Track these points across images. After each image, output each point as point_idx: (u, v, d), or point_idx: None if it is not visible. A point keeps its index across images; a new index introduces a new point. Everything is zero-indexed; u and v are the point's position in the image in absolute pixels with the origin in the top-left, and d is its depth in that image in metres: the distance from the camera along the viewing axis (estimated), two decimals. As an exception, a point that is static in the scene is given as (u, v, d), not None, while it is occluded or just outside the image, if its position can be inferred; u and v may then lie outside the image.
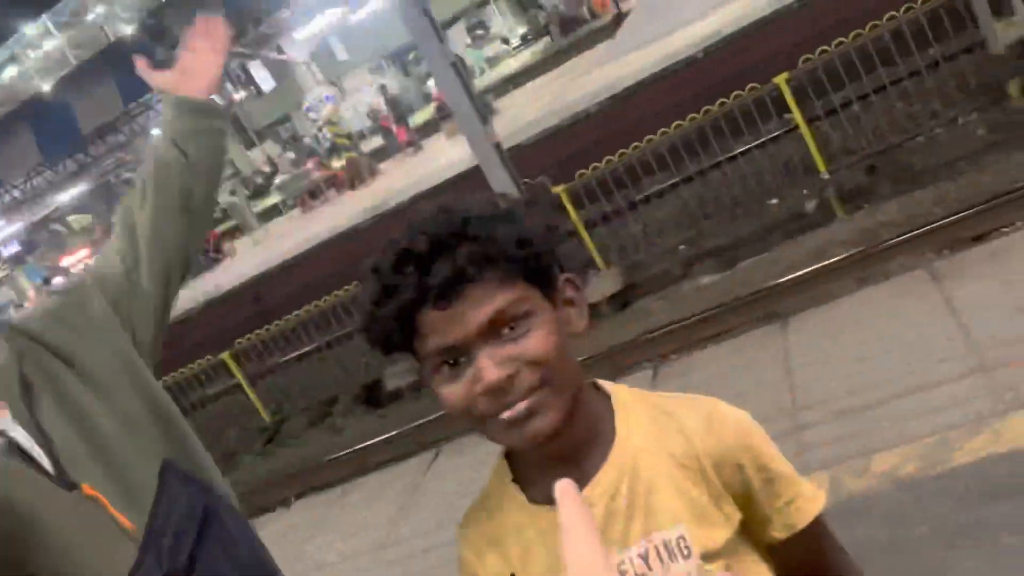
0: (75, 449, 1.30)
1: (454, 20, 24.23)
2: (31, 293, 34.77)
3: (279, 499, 6.44)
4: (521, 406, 0.92)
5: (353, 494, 5.61)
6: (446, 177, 11.58)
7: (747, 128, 7.94)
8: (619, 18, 18.91)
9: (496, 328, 0.92)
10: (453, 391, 0.94)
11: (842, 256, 5.77)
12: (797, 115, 7.42)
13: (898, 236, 5.54)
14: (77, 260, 33.36)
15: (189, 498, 1.37)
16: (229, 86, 18.73)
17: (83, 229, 37.07)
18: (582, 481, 1.00)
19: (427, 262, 0.91)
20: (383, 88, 20.55)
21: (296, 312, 9.70)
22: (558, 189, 7.84)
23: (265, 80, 17.47)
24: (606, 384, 1.09)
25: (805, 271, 5.78)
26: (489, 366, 0.91)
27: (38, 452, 1.28)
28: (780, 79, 7.30)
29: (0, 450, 1.25)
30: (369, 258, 0.98)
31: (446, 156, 13.55)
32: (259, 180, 29.63)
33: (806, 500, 1.06)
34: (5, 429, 1.28)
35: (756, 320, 5.24)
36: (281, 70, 18.87)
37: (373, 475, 5.85)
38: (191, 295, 15.41)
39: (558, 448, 0.98)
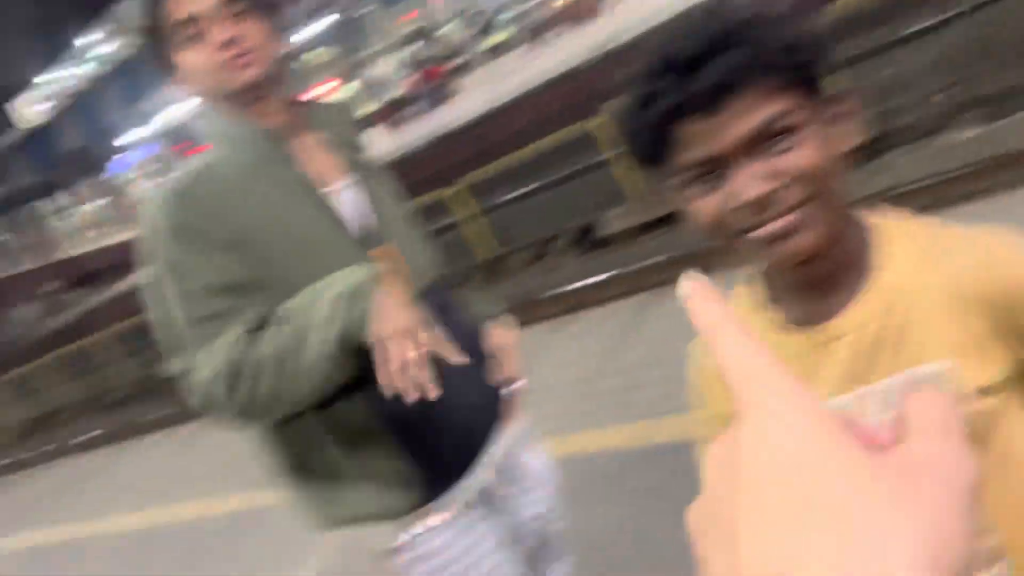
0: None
1: None
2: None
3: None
4: (781, 221, 0.88)
5: (568, 327, 5.78)
6: (681, 8, 10.92)
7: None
8: None
9: (760, 141, 0.87)
10: (707, 205, 0.90)
11: None
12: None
13: None
14: (321, 92, 35.58)
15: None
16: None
17: (325, 62, 39.27)
18: (840, 307, 0.96)
19: (691, 68, 0.86)
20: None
21: (520, 152, 9.79)
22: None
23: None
24: (871, 213, 1.00)
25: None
26: (749, 180, 0.87)
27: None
28: None
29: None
30: (626, 70, 0.93)
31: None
32: (488, 15, 29.66)
33: None
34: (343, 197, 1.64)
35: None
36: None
37: (588, 311, 5.98)
38: (421, 131, 16.03)
39: (813, 272, 0.94)
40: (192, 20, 1.48)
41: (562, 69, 12.56)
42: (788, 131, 0.87)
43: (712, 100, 0.85)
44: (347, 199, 1.61)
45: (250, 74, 1.50)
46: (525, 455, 1.84)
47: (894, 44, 7.57)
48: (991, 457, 0.92)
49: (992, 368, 0.92)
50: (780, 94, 0.86)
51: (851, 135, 0.93)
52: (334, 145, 1.66)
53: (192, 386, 1.49)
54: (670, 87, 0.87)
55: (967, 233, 0.96)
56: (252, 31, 1.52)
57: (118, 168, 43.28)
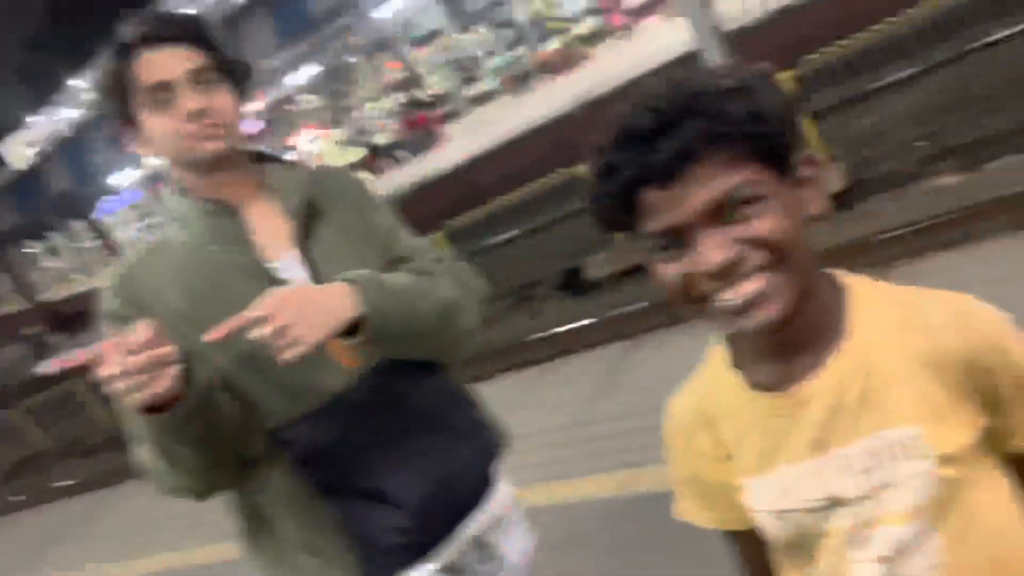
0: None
1: None
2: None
3: (479, 375, 6.76)
4: (748, 288, 0.88)
5: (551, 374, 5.77)
6: (660, 62, 11.16)
7: (1014, 8, 6.95)
8: None
9: (722, 210, 0.87)
10: (672, 271, 0.91)
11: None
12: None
13: None
14: (307, 139, 35.80)
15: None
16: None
17: (313, 109, 39.60)
18: (809, 370, 0.96)
19: (650, 139, 0.86)
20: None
21: (505, 197, 9.88)
22: (783, 76, 7.31)
23: (483, -39, 17.38)
24: (842, 275, 1.01)
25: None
26: (712, 247, 0.87)
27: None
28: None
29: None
30: (592, 137, 0.94)
31: (661, 40, 13.01)
32: (473, 65, 30.07)
33: None
34: (285, 273, 1.55)
35: (1003, 228, 4.71)
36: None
37: (571, 358, 5.98)
38: (405, 177, 16.14)
39: (783, 336, 0.94)
40: (162, 86, 1.47)
41: (546, 117, 12.74)
42: (751, 200, 0.87)
43: (671, 171, 0.86)
44: (295, 273, 1.56)
45: (216, 146, 1.50)
46: (501, 544, 1.77)
47: (872, 93, 7.74)
48: (955, 522, 0.93)
49: (959, 435, 0.93)
50: (741, 163, 0.87)
51: (818, 200, 0.94)
52: (291, 212, 1.60)
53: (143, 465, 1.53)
54: (630, 158, 0.87)
55: (939, 296, 0.98)
56: (222, 102, 1.52)
57: (106, 211, 43.19)
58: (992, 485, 0.97)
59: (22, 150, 45.99)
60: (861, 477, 0.95)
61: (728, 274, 0.87)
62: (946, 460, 0.92)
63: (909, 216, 5.97)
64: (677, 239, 0.89)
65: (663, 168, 0.86)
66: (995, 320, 0.95)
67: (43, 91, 41.87)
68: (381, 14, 22.38)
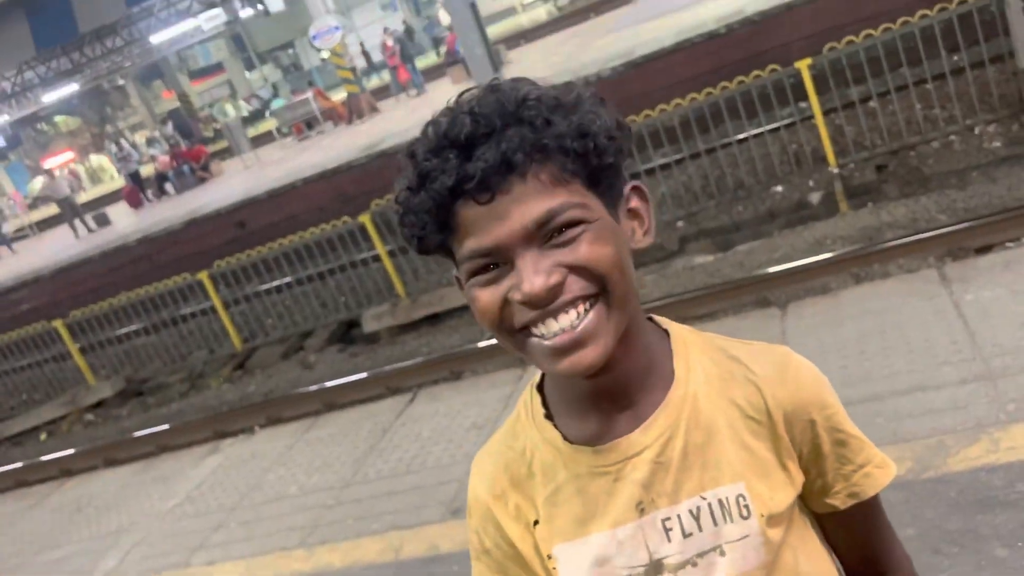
0: None
1: (473, -34, 23.65)
2: (11, 192, 34.12)
3: (244, 426, 6.33)
4: (566, 321, 0.79)
5: (320, 429, 5.50)
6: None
7: (762, 111, 7.80)
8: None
9: (543, 232, 0.78)
10: (489, 298, 0.81)
11: (842, 251, 5.68)
12: (814, 103, 7.28)
13: (901, 238, 5.46)
14: (61, 162, 32.76)
15: None
16: (236, 2, 18.19)
17: (69, 131, 36.38)
18: (633, 423, 0.88)
19: (470, 147, 0.77)
20: (385, 30, 20.10)
21: (280, 241, 9.50)
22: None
23: (274, 1, 16.93)
24: (663, 320, 0.95)
25: (803, 262, 5.68)
26: (531, 273, 0.78)
27: None
28: (802, 64, 7.15)
29: None
30: (404, 148, 0.82)
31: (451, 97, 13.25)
32: (255, 105, 29.14)
33: (876, 467, 0.95)
34: None
35: (750, 305, 5.15)
36: (291, -7, 18.36)
37: (342, 413, 5.75)
38: (173, 212, 15.13)
39: (606, 383, 0.86)
40: None
41: (330, 164, 12.50)
42: (575, 223, 0.79)
43: (490, 184, 0.76)
44: None
45: None
46: None
47: (640, 175, 8.32)
48: (779, 571, 0.90)
49: (782, 493, 0.90)
50: (565, 185, 0.78)
51: (642, 234, 0.87)
52: None
53: None
54: (446, 166, 0.77)
55: (760, 348, 0.94)
56: None
57: None
58: (808, 542, 0.94)
59: None
60: (685, 542, 0.88)
61: (548, 302, 0.79)
62: (771, 521, 0.88)
63: (668, 289, 6.42)
64: (495, 261, 0.80)
65: (482, 179, 0.76)
66: (815, 374, 0.92)
67: None
68: (158, 39, 21.09)
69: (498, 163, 0.76)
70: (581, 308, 0.79)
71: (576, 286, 0.79)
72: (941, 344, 3.49)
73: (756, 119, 7.99)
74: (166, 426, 7.30)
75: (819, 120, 7.36)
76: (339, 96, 19.34)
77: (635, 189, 0.87)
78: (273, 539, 4.12)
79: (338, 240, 9.29)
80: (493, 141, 0.76)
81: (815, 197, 7.40)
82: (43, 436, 9.58)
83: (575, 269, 0.79)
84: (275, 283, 9.97)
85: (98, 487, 6.11)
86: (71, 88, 24.12)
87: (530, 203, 0.77)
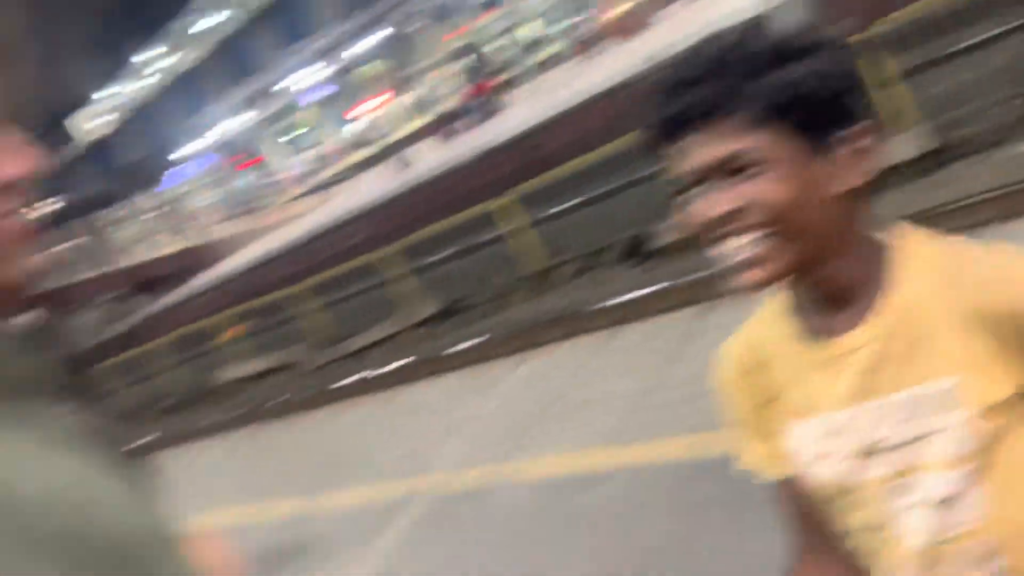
0: None
1: None
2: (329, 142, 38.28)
3: (546, 339, 6.74)
4: (738, 245, 0.93)
5: (621, 340, 5.70)
6: (729, 25, 10.77)
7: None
8: None
9: (728, 168, 0.91)
10: (688, 212, 0.96)
11: None
12: None
13: None
14: (371, 107, 36.05)
15: None
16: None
17: (377, 77, 39.82)
18: (855, 321, 0.99)
19: (684, 86, 0.91)
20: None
21: (573, 162, 9.76)
22: (869, 32, 7.01)
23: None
24: (892, 232, 1.02)
25: None
26: (711, 201, 0.92)
27: None
28: None
29: None
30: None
31: (732, 1, 12.62)
32: (536, 33, 29.77)
33: None
34: None
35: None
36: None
37: (639, 325, 5.90)
38: (473, 143, 16.10)
39: (824, 289, 0.99)
40: None
41: (613, 82, 12.52)
42: (757, 163, 0.90)
43: (688, 121, 0.91)
44: None
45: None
46: None
47: (956, 55, 7.40)
48: (997, 472, 0.94)
49: (1000, 388, 0.93)
50: (759, 129, 0.90)
51: (852, 176, 0.94)
52: None
53: None
54: (668, 101, 0.93)
55: (984, 251, 0.98)
56: None
57: (174, 180, 44.32)
58: None
59: (91, 123, 47.45)
60: (901, 425, 0.97)
61: (723, 226, 0.92)
62: (986, 412, 0.93)
63: (997, 180, 5.71)
64: (695, 182, 0.94)
65: (684, 117, 0.91)
66: None
67: (109, 66, 43.03)
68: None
69: (686, 109, 0.91)
70: (754, 235, 0.92)
71: (750, 217, 0.91)
72: None
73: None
74: (481, 339, 7.99)
75: None
76: (618, 12, 19.17)
77: (856, 133, 0.94)
78: (582, 438, 4.41)
79: (629, 156, 9.35)
80: (700, 86, 0.90)
81: None
82: (376, 353, 10.90)
83: (751, 203, 0.91)
84: (570, 203, 10.31)
85: (426, 395, 6.88)
86: (377, 36, 26.30)
87: (719, 143, 0.90)
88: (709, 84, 0.89)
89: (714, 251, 0.95)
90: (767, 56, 0.90)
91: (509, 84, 21.70)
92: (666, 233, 8.61)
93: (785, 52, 0.90)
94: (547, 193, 10.15)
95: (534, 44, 27.67)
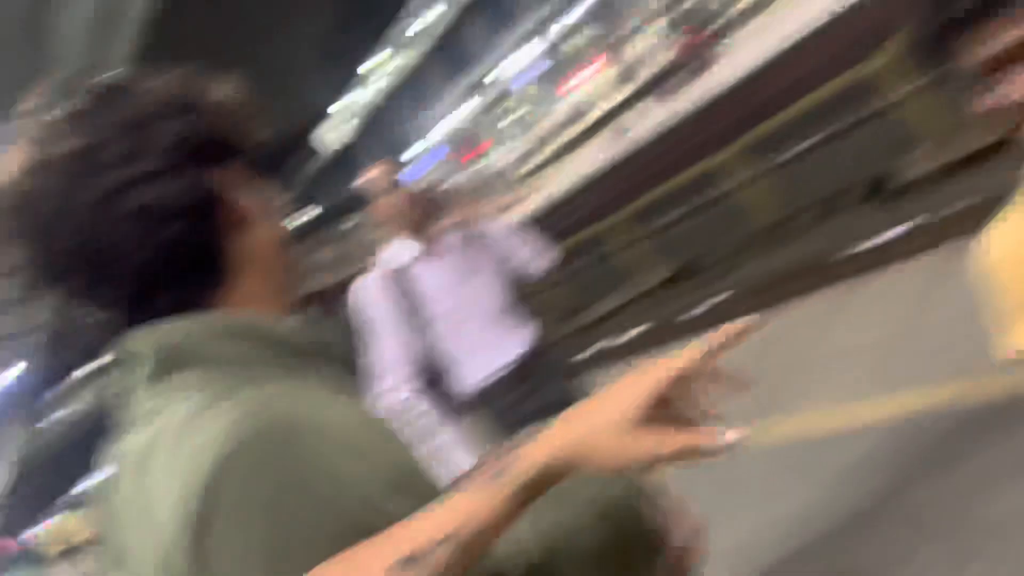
0: None
1: None
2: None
3: (793, 291, 6.50)
4: None
5: (871, 285, 5.43)
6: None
7: None
8: None
9: None
10: (1002, 95, 0.96)
11: None
12: None
13: None
14: (587, 76, 36.13)
15: None
16: None
17: (586, 46, 39.85)
18: None
19: None
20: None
21: (796, 104, 9.29)
22: None
23: None
24: None
25: None
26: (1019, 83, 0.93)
27: None
28: None
29: None
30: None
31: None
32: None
33: None
34: None
35: None
36: None
37: (887, 269, 5.56)
38: (686, 101, 15.76)
39: None
40: None
41: (833, 12, 11.71)
42: None
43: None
44: None
45: None
46: None
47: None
48: None
49: None
50: None
51: None
52: None
53: None
54: None
55: None
56: None
57: (411, 177, 47.12)
58: None
59: (331, 136, 51.55)
60: None
61: None
62: None
63: None
64: (994, 72, 0.94)
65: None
66: None
67: (341, 79, 46.41)
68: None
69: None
70: None
71: None
72: None
73: None
74: (718, 299, 7.90)
75: None
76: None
77: None
78: (833, 394, 4.28)
79: (860, 90, 8.75)
80: None
81: None
82: (613, 322, 11.02)
83: None
84: (801, 147, 9.82)
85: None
86: (583, 6, 26.32)
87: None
88: None
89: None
90: None
91: (719, 34, 20.92)
92: (910, 168, 7.98)
93: None
94: (776, 140, 9.72)
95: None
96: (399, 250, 2.83)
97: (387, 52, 45.63)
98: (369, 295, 2.78)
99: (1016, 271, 1.07)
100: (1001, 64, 0.92)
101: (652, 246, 11.55)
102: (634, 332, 8.76)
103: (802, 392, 4.60)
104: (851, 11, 11.39)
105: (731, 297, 7.68)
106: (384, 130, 46.42)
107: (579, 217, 15.96)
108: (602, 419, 0.62)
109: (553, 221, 17.71)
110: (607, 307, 11.50)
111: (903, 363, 4.10)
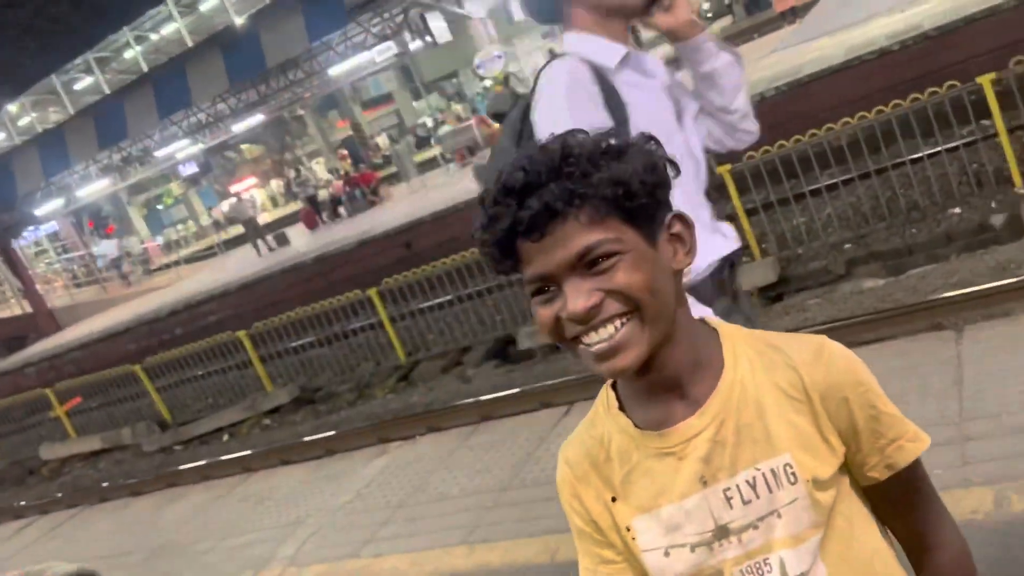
0: None
1: (634, -8, 23.80)
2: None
3: (407, 434, 6.65)
4: (605, 333, 0.97)
5: (480, 436, 5.71)
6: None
7: (938, 129, 7.43)
8: (794, 12, 18.19)
9: (583, 263, 0.96)
10: (546, 314, 0.99)
11: (1030, 276, 5.31)
12: (998, 121, 6.86)
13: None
14: (244, 187, 35.44)
15: None
16: (407, 35, 19.20)
17: (253, 158, 39.32)
18: (690, 409, 1.04)
19: (522, 196, 0.95)
20: (552, 52, 20.53)
21: (443, 261, 9.90)
22: (722, 168, 7.61)
23: (442, 33, 17.71)
24: (712, 320, 1.12)
25: (984, 286, 5.35)
26: (574, 296, 0.96)
27: None
28: (985, 79, 6.77)
29: None
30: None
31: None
32: (421, 132, 30.44)
33: (909, 440, 1.07)
34: None
35: (923, 330, 4.91)
36: (457, 24, 19.12)
37: (499, 423, 5.93)
38: (345, 233, 16.06)
39: (659, 378, 1.03)
40: None
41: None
42: (610, 254, 0.96)
43: (536, 227, 0.95)
44: None
45: None
46: None
47: (805, 195, 8.10)
48: (835, 548, 1.03)
49: (825, 463, 1.03)
50: (601, 223, 0.95)
51: (684, 255, 1.03)
52: None
53: None
54: (505, 212, 0.96)
55: (799, 337, 1.08)
56: None
57: (30, 238, 41.53)
58: (858, 512, 1.07)
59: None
60: (745, 508, 1.02)
61: (589, 319, 0.96)
62: (817, 485, 1.01)
63: (835, 314, 6.21)
64: (549, 285, 0.98)
65: (530, 223, 0.94)
66: (848, 356, 1.05)
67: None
68: (336, 72, 22.55)
69: (542, 210, 0.94)
70: (617, 323, 0.97)
71: (612, 306, 0.96)
72: None
73: (932, 138, 7.63)
74: (334, 431, 7.77)
75: (1003, 138, 6.93)
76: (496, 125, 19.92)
77: (677, 217, 1.04)
78: (436, 536, 4.33)
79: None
80: (539, 192, 0.95)
81: (998, 220, 6.95)
82: (225, 437, 10.39)
83: (611, 292, 0.96)
84: (437, 300, 10.39)
85: (277, 483, 6.59)
86: (257, 118, 26.13)
87: (570, 240, 0.95)
88: (554, 186, 0.94)
89: (580, 343, 0.98)
90: (595, 156, 0.96)
91: (389, 180, 21.96)
92: (529, 337, 8.81)
93: (611, 149, 0.98)
94: (416, 289, 10.21)
95: (419, 144, 28.23)
96: (597, 49, 1.88)
97: (23, 102, 40.82)
98: (580, 90, 1.78)
99: (574, 496, 1.12)
100: None
101: (279, 366, 11.26)
102: (246, 452, 8.24)
103: (407, 531, 4.62)
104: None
105: (350, 429, 7.60)
106: (2, 183, 40.67)
107: (209, 323, 15.18)
108: None
109: (179, 321, 16.58)
110: (222, 421, 10.80)
111: (506, 512, 4.31)
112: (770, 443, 1.02)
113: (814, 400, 1.03)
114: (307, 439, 7.83)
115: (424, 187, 18.26)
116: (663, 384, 1.04)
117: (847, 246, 7.83)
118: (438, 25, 17.25)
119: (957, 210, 7.46)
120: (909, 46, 9.57)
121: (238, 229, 23.98)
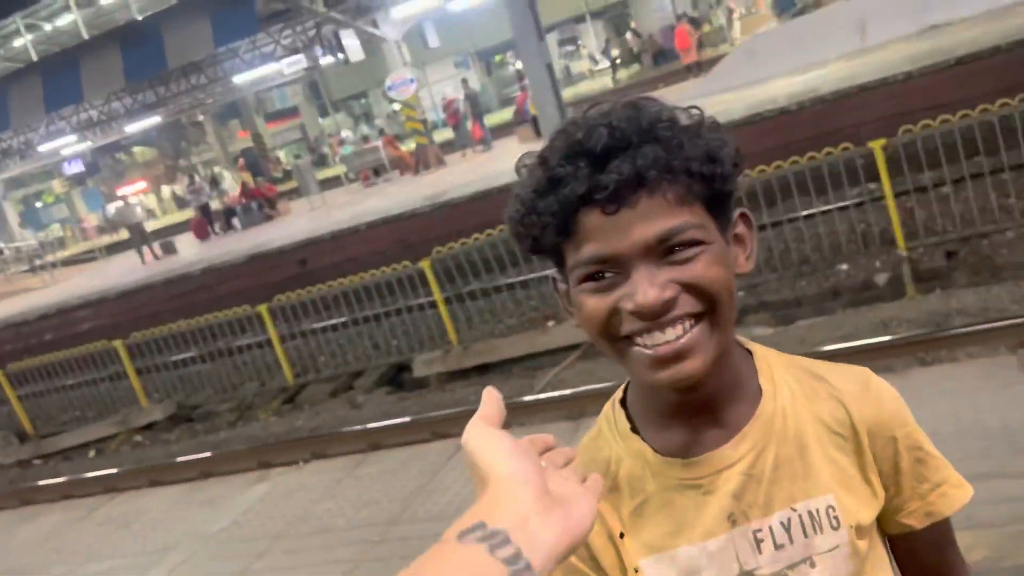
0: None
1: (548, 30, 24.28)
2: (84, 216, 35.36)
3: (290, 459, 6.38)
4: (671, 334, 0.81)
5: (369, 467, 5.51)
6: (514, 179, 11.46)
7: (831, 188, 7.77)
8: (699, 66, 18.95)
9: (662, 248, 0.80)
10: (598, 304, 0.82)
11: (910, 334, 5.57)
12: (886, 185, 7.22)
13: (971, 325, 5.33)
14: (133, 190, 33.93)
15: None
16: (318, 50, 18.87)
17: (145, 162, 37.75)
18: (723, 436, 0.90)
19: (604, 158, 0.79)
20: (465, 82, 20.62)
21: (339, 281, 9.66)
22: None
23: (354, 51, 17.50)
24: (744, 340, 0.97)
25: (867, 341, 5.58)
26: (647, 285, 0.79)
27: None
28: (876, 144, 7.12)
29: None
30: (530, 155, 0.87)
31: (516, 158, 13.46)
32: (325, 149, 29.95)
33: (953, 487, 0.96)
34: None
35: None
36: (371, 45, 18.97)
37: (389, 453, 5.75)
38: (238, 245, 15.52)
39: (698, 397, 0.87)
40: None
41: (393, 211, 12.75)
42: (693, 243, 0.81)
43: (620, 195, 0.78)
44: None
45: None
46: None
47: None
48: None
49: (866, 507, 0.91)
50: (688, 205, 0.81)
51: (748, 260, 0.89)
52: None
53: None
54: (580, 174, 0.79)
55: (841, 367, 0.96)
56: None
57: None
58: (880, 562, 0.95)
59: None
60: (776, 554, 0.89)
61: (659, 315, 0.80)
62: (859, 532, 0.89)
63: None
64: (609, 270, 0.82)
65: (615, 190, 0.78)
66: (895, 393, 0.94)
67: None
68: (241, 80, 21.94)
69: (632, 177, 0.78)
70: (687, 323, 0.81)
71: (687, 303, 0.81)
72: (1020, 432, 3.39)
73: (824, 196, 7.96)
74: (212, 453, 7.38)
75: (890, 202, 7.29)
76: (408, 146, 19.80)
77: (742, 216, 0.90)
78: (316, 570, 4.12)
79: (396, 284, 9.42)
80: (628, 155, 0.78)
81: (881, 278, 7.29)
82: (92, 453, 9.75)
83: (688, 287, 0.81)
84: (331, 322, 10.11)
85: (145, 505, 6.18)
86: (153, 120, 25.11)
87: (654, 219, 0.79)
88: (648, 149, 0.79)
89: (635, 344, 0.82)
90: (686, 127, 0.82)
91: (288, 195, 21.43)
92: (425, 365, 8.65)
93: (693, 125, 0.83)
94: (312, 307, 9.90)
95: (319, 161, 27.74)
96: None
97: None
98: None
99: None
100: None
101: (155, 381, 10.70)
102: (114, 470, 7.75)
103: (277, 566, 4.38)
104: (411, 215, 12.48)
105: (230, 450, 7.25)
106: None
107: (83, 330, 14.33)
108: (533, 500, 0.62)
109: (50, 327, 15.57)
110: (89, 435, 10.14)
111: (393, 547, 4.14)
112: (811, 481, 0.89)
113: (860, 436, 0.90)
114: (181, 459, 7.40)
115: (325, 204, 17.89)
116: (696, 405, 0.88)
117: (740, 294, 8.05)
118: (351, 43, 17.05)
119: (845, 266, 7.78)
120: (806, 107, 10.03)
121: (123, 234, 22.89)
